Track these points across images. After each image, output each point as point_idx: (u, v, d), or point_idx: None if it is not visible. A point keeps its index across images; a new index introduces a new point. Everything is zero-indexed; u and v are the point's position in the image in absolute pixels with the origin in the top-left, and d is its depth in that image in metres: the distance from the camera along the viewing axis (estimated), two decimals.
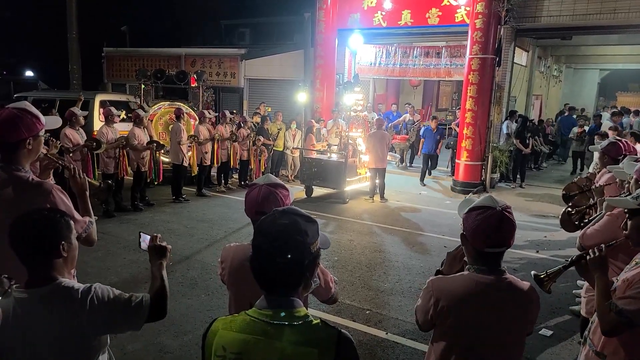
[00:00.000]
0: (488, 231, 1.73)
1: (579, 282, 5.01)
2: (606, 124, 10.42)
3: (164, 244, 1.95)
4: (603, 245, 2.13)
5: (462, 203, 1.90)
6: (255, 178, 9.43)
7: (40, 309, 1.60)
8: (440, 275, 1.91)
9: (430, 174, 11.01)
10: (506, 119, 10.89)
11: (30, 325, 1.59)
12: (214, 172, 9.80)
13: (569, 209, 3.82)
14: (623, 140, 4.32)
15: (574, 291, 4.96)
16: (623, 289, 1.97)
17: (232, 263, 1.95)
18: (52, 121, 2.50)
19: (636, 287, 1.90)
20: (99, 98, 10.31)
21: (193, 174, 8.81)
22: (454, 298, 1.76)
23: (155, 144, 7.84)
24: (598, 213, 3.26)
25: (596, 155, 5.44)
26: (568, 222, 3.80)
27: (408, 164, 12.46)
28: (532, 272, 2.31)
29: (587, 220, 3.34)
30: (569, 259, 2.28)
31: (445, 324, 1.79)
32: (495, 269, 1.78)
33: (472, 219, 1.77)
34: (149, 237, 1.98)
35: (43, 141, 2.29)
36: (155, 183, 8.67)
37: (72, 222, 1.76)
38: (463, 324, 1.76)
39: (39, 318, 1.59)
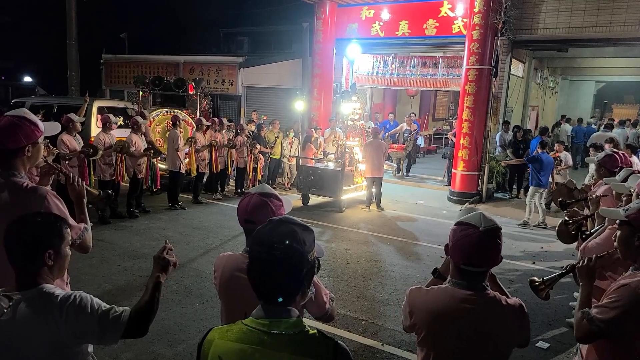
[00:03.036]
0: (466, 249, 1.72)
1: (576, 294, 5.00)
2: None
3: (169, 257, 1.87)
4: (594, 255, 2.16)
5: (460, 212, 1.89)
6: (252, 186, 9.43)
7: (23, 313, 1.60)
8: (418, 287, 1.91)
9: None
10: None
11: (13, 328, 1.59)
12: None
13: (566, 219, 3.83)
14: (620, 152, 4.36)
15: (570, 303, 4.94)
16: (602, 299, 2.00)
17: (223, 273, 1.94)
18: (50, 128, 2.49)
19: (610, 297, 1.92)
20: (96, 104, 10.31)
21: (193, 175, 8.77)
22: (426, 312, 1.78)
23: (152, 151, 7.82)
24: (600, 225, 3.27)
25: (592, 167, 5.48)
26: (565, 233, 3.81)
27: (405, 173, 12.48)
28: (529, 279, 2.32)
29: (587, 233, 3.35)
30: (566, 267, 2.30)
31: (420, 334, 1.82)
32: (475, 285, 1.76)
33: (455, 233, 1.77)
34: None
35: (42, 148, 2.29)
36: (154, 190, 8.63)
37: (66, 231, 1.74)
38: (437, 337, 1.78)
39: (21, 322, 1.59)
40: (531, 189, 8.20)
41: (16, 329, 1.59)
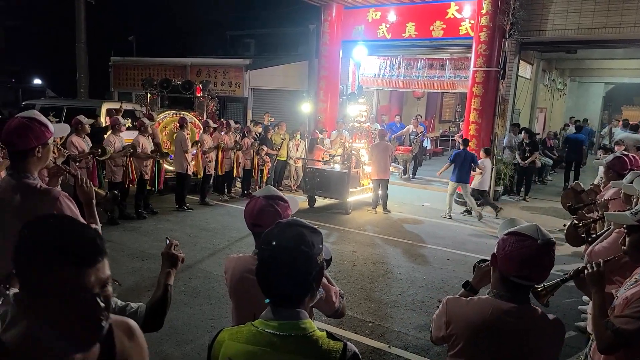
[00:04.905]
0: (520, 261, 1.65)
1: (585, 298, 4.96)
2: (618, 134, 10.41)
3: (178, 253, 1.92)
4: (601, 260, 2.11)
5: (504, 222, 1.81)
6: (257, 188, 9.46)
7: None
8: (456, 296, 1.84)
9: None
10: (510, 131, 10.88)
11: None
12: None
13: (575, 222, 3.80)
14: (629, 154, 4.32)
15: (579, 307, 4.90)
16: (622, 308, 1.95)
17: (233, 274, 1.95)
18: (60, 129, 2.52)
19: (634, 307, 1.88)
20: (105, 107, 10.40)
21: (200, 176, 8.84)
22: (466, 324, 1.71)
23: (158, 154, 7.86)
24: (606, 228, 3.24)
25: (601, 169, 5.44)
26: (574, 236, 3.78)
27: (411, 175, 12.45)
28: None
29: (594, 236, 3.32)
30: (568, 272, 2.25)
31: (456, 346, 1.75)
32: (518, 298, 1.70)
33: (508, 243, 1.69)
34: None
35: (52, 149, 2.32)
36: (156, 191, 8.69)
37: None
38: (476, 349, 1.71)
39: None
40: (451, 184, 8.70)
41: None
